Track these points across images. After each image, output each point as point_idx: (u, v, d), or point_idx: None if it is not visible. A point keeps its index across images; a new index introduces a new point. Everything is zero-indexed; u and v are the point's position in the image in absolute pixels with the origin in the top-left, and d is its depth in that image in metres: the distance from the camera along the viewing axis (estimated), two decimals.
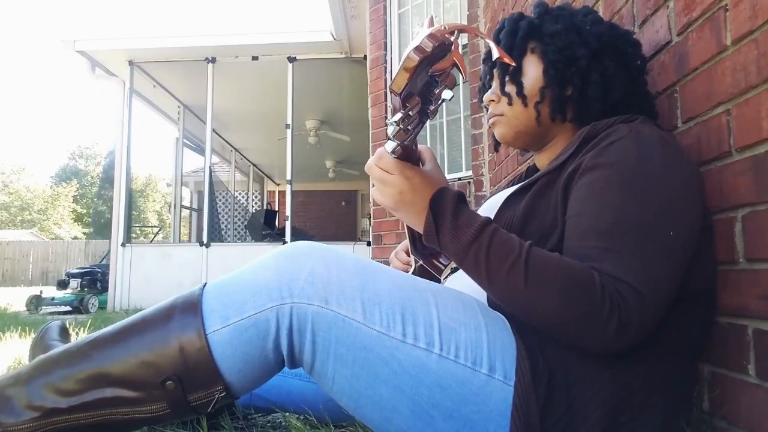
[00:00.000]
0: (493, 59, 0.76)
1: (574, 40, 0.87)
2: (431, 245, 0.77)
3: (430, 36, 0.61)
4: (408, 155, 0.78)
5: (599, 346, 0.66)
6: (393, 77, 0.62)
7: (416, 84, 0.63)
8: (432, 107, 0.67)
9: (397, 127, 0.68)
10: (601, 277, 0.65)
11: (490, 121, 0.97)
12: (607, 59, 0.86)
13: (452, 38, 0.64)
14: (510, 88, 0.92)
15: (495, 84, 0.97)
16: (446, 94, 0.67)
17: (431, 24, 0.68)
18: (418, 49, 0.60)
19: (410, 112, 0.65)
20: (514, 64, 0.83)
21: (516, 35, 0.91)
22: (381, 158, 0.76)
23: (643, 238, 0.68)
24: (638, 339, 0.66)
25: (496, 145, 1.07)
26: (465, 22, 3.19)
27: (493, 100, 0.96)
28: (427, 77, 0.64)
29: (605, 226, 0.69)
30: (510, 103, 0.92)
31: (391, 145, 0.74)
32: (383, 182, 0.76)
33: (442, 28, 0.65)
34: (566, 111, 0.89)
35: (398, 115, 0.66)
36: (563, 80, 0.87)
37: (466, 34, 0.68)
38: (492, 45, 0.69)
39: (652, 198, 0.70)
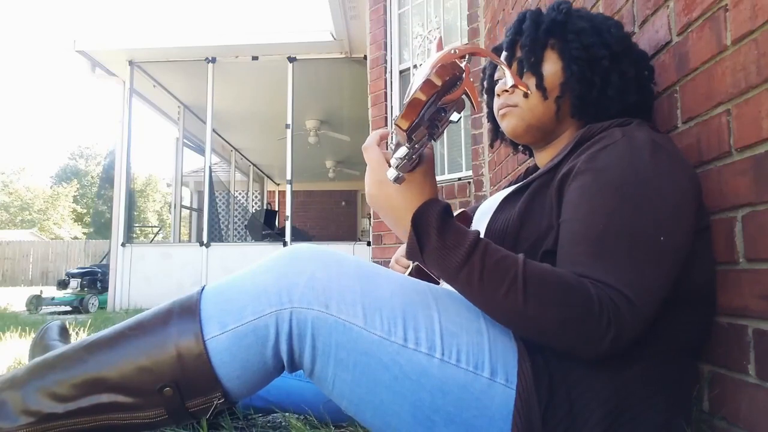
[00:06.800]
0: (508, 86, 0.71)
1: (595, 41, 0.87)
2: (415, 261, 0.74)
3: (441, 69, 0.55)
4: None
5: (593, 355, 0.66)
6: (399, 113, 0.56)
7: (423, 118, 0.58)
8: (439, 130, 0.62)
9: (402, 160, 0.63)
10: (596, 289, 0.64)
11: (501, 111, 0.94)
12: (626, 63, 0.87)
13: (463, 63, 0.59)
14: (528, 80, 0.90)
15: (510, 74, 0.94)
16: (455, 116, 0.62)
17: (440, 47, 0.63)
18: (427, 84, 0.55)
19: (416, 145, 0.61)
20: (529, 91, 0.78)
21: (539, 28, 0.90)
22: (368, 150, 0.74)
23: (634, 245, 0.68)
24: (628, 344, 0.66)
25: (493, 140, 1.06)
26: (465, 22, 3.19)
27: (507, 91, 0.93)
28: (435, 108, 0.59)
29: (596, 232, 0.69)
30: (526, 95, 0.90)
31: (393, 173, 0.66)
32: (370, 178, 0.75)
33: (453, 52, 0.59)
34: (588, 110, 0.88)
35: (403, 150, 0.61)
36: (583, 78, 0.87)
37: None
38: (507, 72, 0.65)
39: (643, 203, 0.70)
